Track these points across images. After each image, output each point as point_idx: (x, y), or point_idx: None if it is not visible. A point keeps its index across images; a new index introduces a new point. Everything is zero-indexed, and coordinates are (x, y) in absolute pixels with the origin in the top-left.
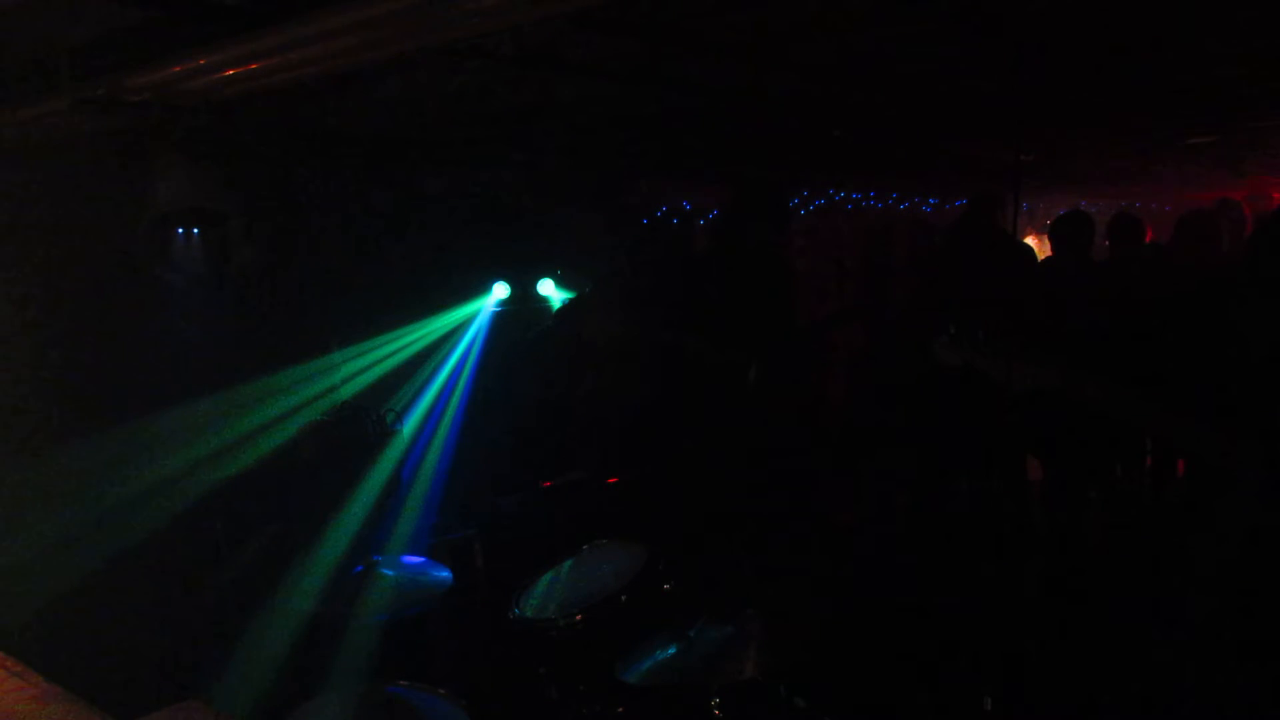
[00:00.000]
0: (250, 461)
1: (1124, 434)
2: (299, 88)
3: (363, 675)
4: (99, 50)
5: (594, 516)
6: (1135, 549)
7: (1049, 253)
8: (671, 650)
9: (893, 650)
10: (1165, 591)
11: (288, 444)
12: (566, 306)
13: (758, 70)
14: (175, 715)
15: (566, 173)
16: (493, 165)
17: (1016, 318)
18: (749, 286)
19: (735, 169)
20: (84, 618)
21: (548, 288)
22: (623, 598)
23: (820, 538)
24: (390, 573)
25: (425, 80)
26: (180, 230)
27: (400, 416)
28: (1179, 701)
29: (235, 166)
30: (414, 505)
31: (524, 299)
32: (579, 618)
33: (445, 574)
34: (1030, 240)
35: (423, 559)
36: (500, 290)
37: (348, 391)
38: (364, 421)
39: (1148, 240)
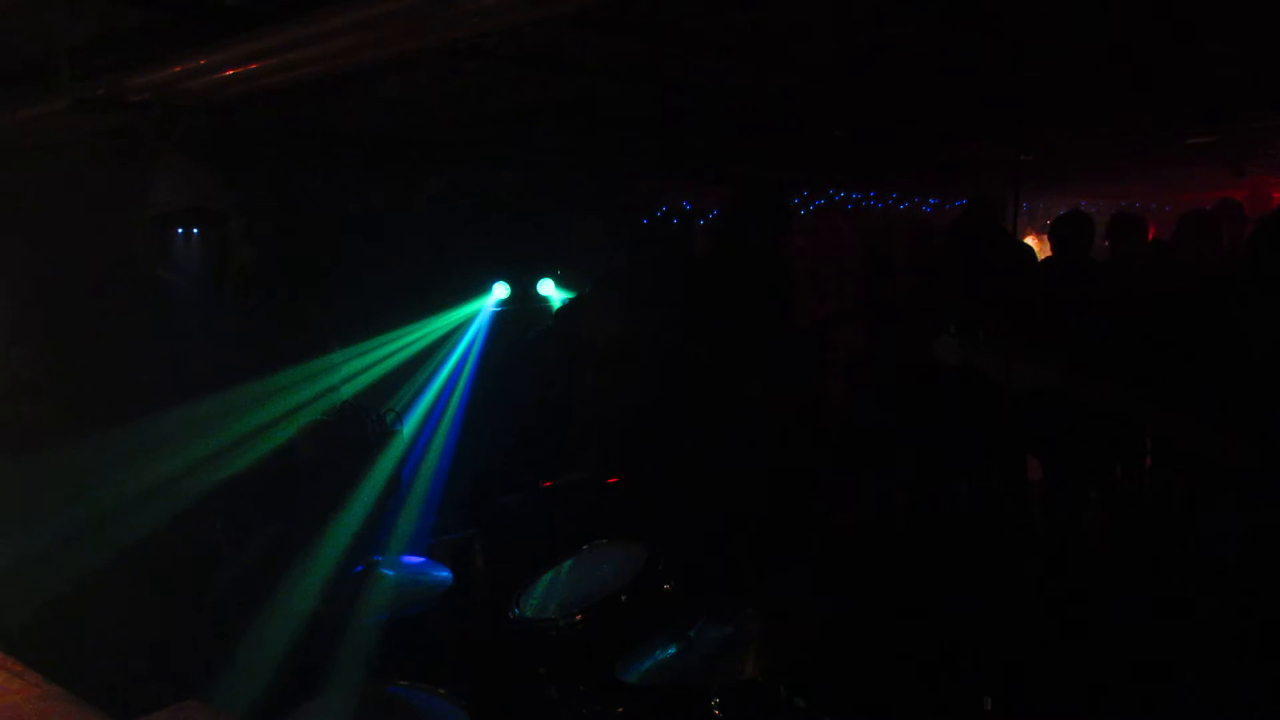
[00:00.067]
0: (250, 461)
1: (1124, 434)
2: (299, 88)
3: (363, 675)
4: (99, 50)
5: (594, 516)
6: (1135, 549)
7: (1049, 253)
8: (671, 650)
9: (893, 650)
10: (1165, 591)
11: (288, 444)
12: (566, 306)
13: (758, 70)
14: (175, 715)
15: (566, 173)
16: (493, 165)
17: (1016, 318)
18: (749, 286)
19: (735, 169)
20: (84, 618)
21: (548, 288)
22: (623, 598)
23: (820, 538)
24: (390, 573)
25: (425, 80)
26: (180, 230)
27: (400, 416)
28: (1179, 701)
29: (235, 166)
30: (414, 505)
31: (524, 299)
32: (579, 618)
33: (445, 574)
34: (1030, 240)
35: (423, 559)
36: (500, 290)
37: (348, 391)
38: (364, 421)
39: (1150, 238)
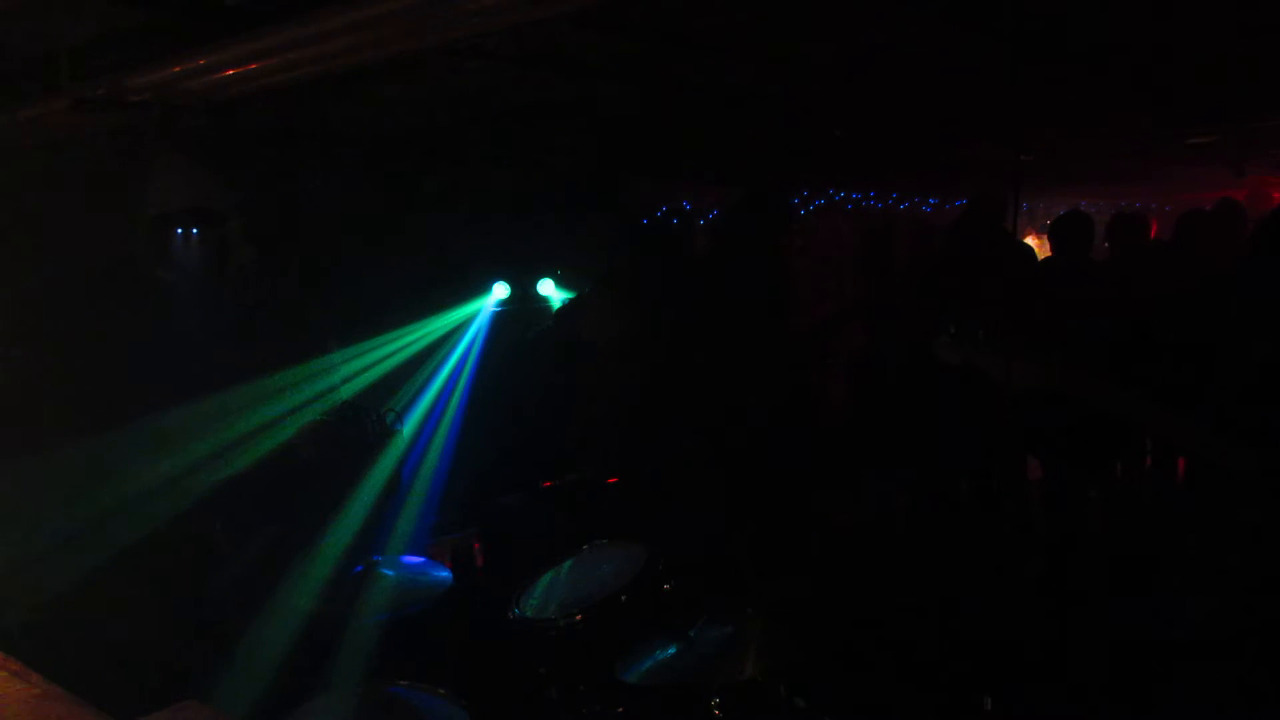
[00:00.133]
0: (250, 461)
1: (1124, 434)
2: (299, 88)
3: (363, 675)
4: (99, 50)
5: (594, 516)
6: (1135, 549)
7: (1049, 253)
8: (671, 650)
9: (893, 650)
10: (1165, 591)
11: (288, 444)
12: (566, 306)
13: (758, 70)
14: (175, 715)
15: (566, 173)
16: (493, 165)
17: (1016, 318)
18: (750, 287)
19: (735, 169)
20: (84, 618)
21: (548, 288)
22: (623, 598)
23: (820, 538)
24: (390, 573)
25: (425, 80)
26: (180, 230)
27: (400, 416)
28: (1179, 701)
29: (235, 166)
30: (414, 505)
31: (524, 299)
32: (579, 618)
33: (445, 574)
34: (1030, 240)
35: (423, 559)
36: (500, 290)
37: (348, 391)
38: (364, 421)
39: (1152, 236)
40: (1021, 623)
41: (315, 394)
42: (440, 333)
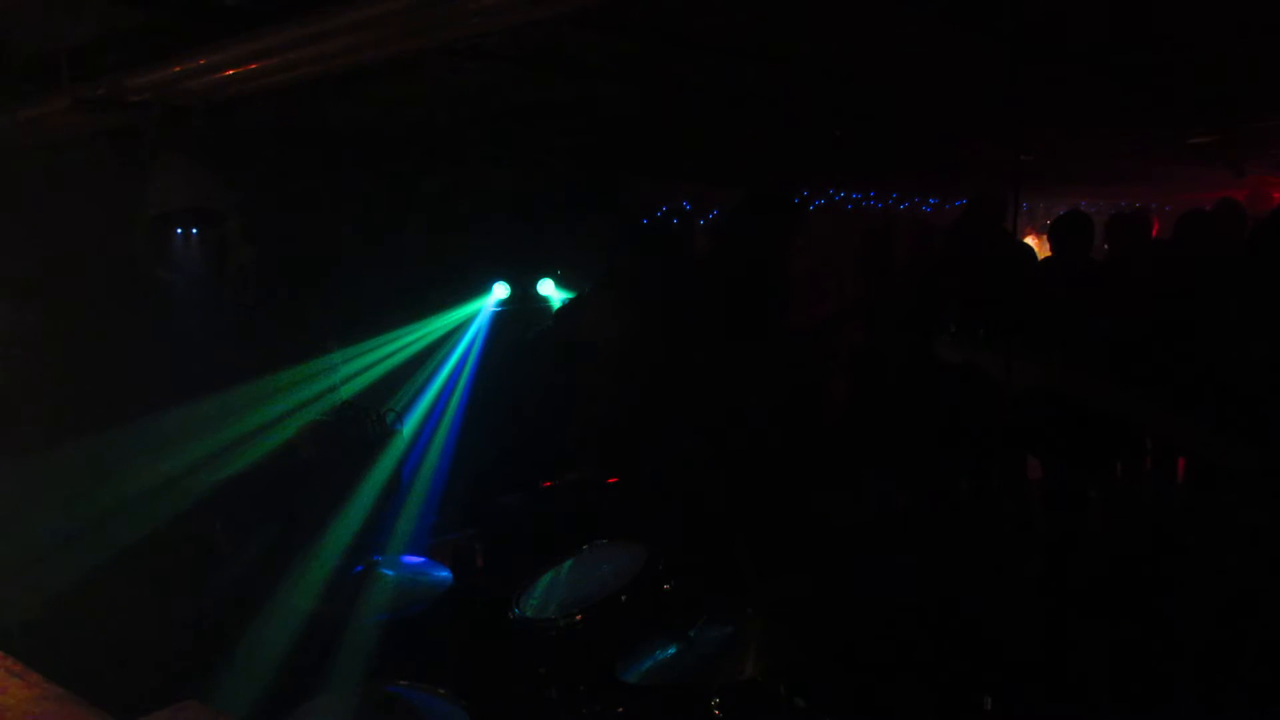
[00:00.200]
0: (250, 461)
1: (1124, 434)
2: (299, 88)
3: (363, 675)
4: (99, 50)
5: (594, 516)
6: (1135, 549)
7: (1049, 253)
8: (671, 650)
9: (893, 650)
10: (1165, 591)
11: (288, 444)
12: (566, 307)
13: (758, 70)
14: (175, 715)
15: (566, 173)
16: (493, 165)
17: (1016, 318)
18: (750, 288)
19: (735, 169)
20: (84, 618)
21: (548, 288)
22: (623, 598)
23: (820, 538)
24: (390, 573)
25: (425, 80)
26: (179, 230)
27: (400, 416)
28: (1179, 701)
29: (235, 166)
30: (414, 505)
31: (524, 299)
32: (579, 618)
33: (445, 574)
34: (1030, 240)
35: (423, 559)
36: (500, 290)
37: (348, 391)
38: (364, 421)
39: (1154, 234)
40: (1021, 623)
41: (315, 394)
42: (440, 333)
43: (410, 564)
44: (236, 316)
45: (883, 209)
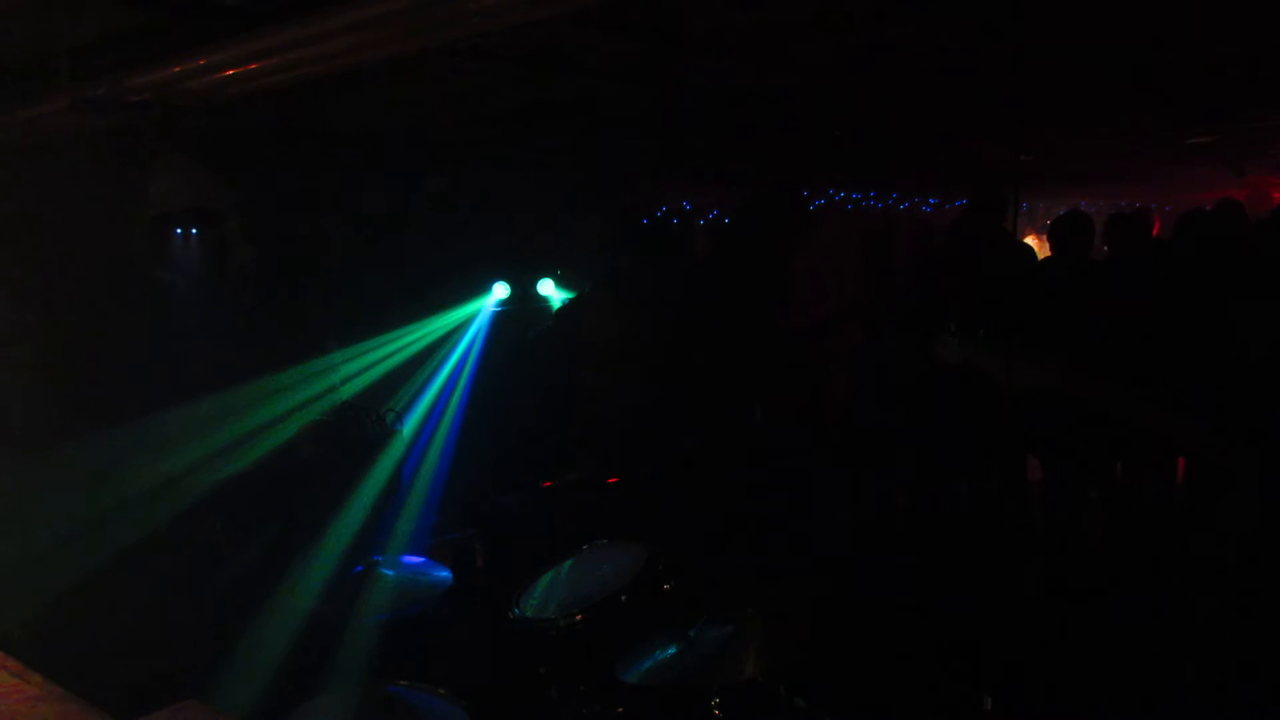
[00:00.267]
0: (250, 461)
1: (1124, 434)
2: (299, 88)
3: (363, 675)
4: (99, 50)
5: (594, 516)
6: (1135, 549)
7: (1049, 253)
8: (671, 650)
9: (893, 650)
10: (1165, 591)
11: (288, 444)
12: (566, 306)
13: (758, 70)
14: (175, 715)
15: (566, 173)
16: (493, 165)
17: (1016, 318)
18: (751, 288)
19: (735, 169)
20: (84, 618)
21: (548, 288)
22: (623, 598)
23: (820, 538)
24: (390, 573)
25: (425, 80)
26: (179, 230)
27: (400, 416)
28: (1179, 701)
29: (235, 166)
30: (414, 505)
31: (524, 299)
32: (579, 618)
33: (445, 574)
34: (1030, 240)
35: (423, 559)
36: (500, 290)
37: (348, 391)
38: (364, 421)
39: (1154, 234)
40: (1022, 623)
41: (315, 394)
42: (440, 333)
43: (410, 564)
44: (236, 316)
45: (883, 209)
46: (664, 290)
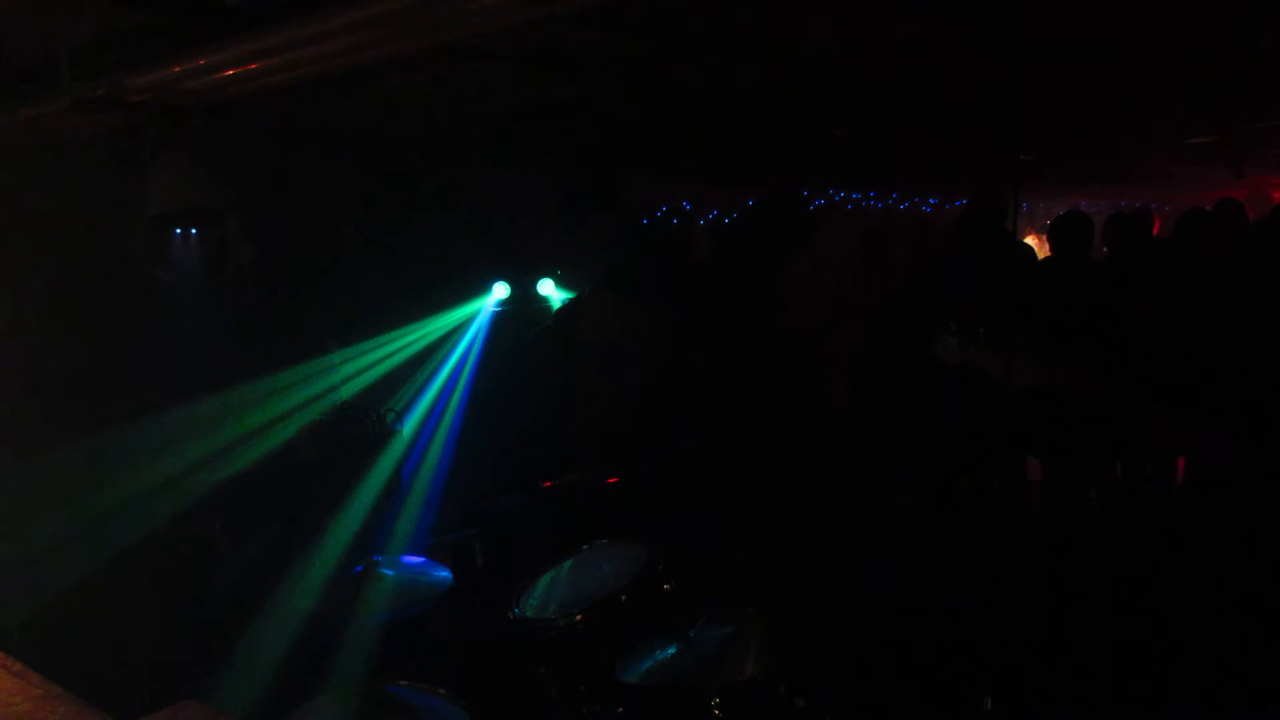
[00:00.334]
0: (250, 461)
1: (1124, 434)
2: (299, 88)
3: (363, 675)
4: (99, 50)
5: (594, 516)
6: (1135, 549)
7: (1049, 253)
8: (671, 650)
9: (893, 650)
10: (1165, 591)
11: (288, 444)
12: (566, 306)
13: (758, 70)
14: (175, 715)
15: (566, 173)
16: (493, 165)
17: (1016, 318)
18: (751, 288)
19: (735, 169)
20: (84, 618)
21: (548, 288)
22: (623, 598)
23: (820, 538)
24: (390, 573)
25: (425, 80)
26: (179, 230)
27: (400, 416)
28: (1179, 701)
29: (235, 166)
30: (414, 505)
31: (524, 299)
32: (579, 618)
33: (445, 574)
34: (1030, 240)
35: (423, 559)
36: (500, 290)
37: (348, 391)
38: (364, 421)
39: (1155, 234)
40: (1021, 623)
41: (315, 394)
42: (440, 333)
43: (410, 564)
44: (236, 316)
45: (883, 209)
46: (664, 290)
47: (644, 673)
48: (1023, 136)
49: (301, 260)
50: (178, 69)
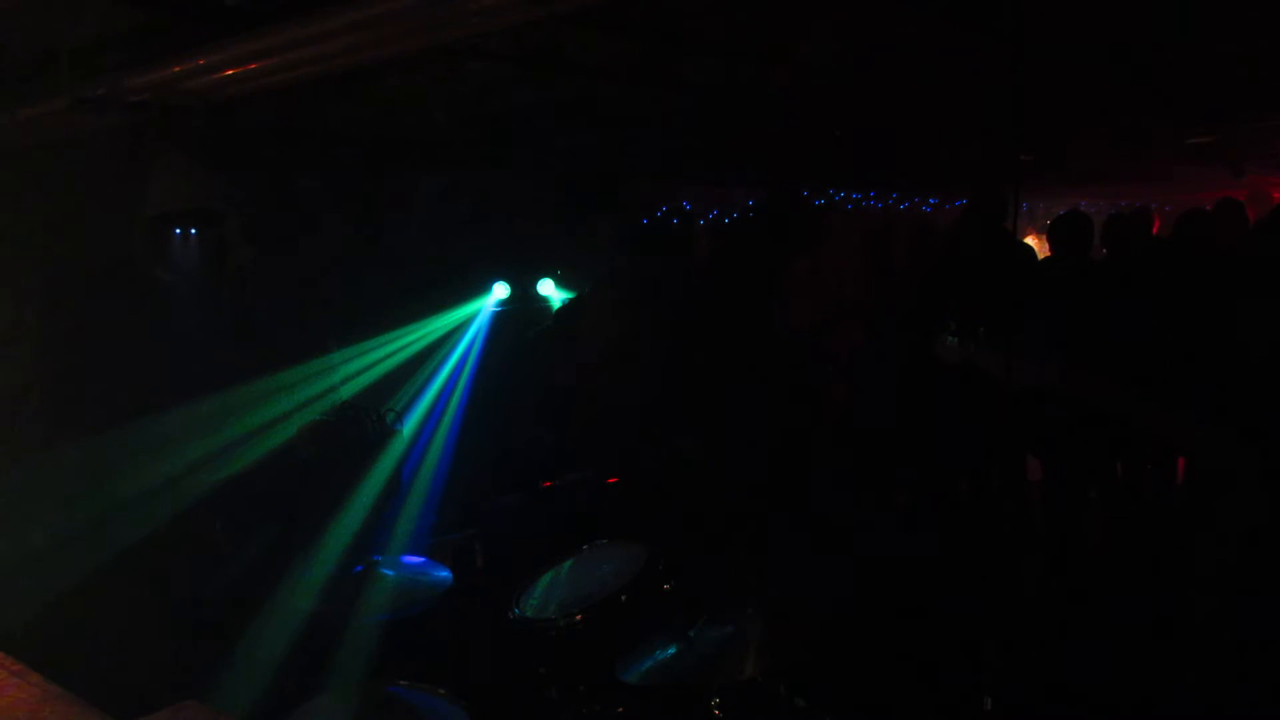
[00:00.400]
0: (250, 461)
1: (1124, 434)
2: (299, 88)
3: (363, 675)
4: (99, 50)
5: (594, 516)
6: (1135, 549)
7: (1049, 253)
8: (671, 650)
9: (893, 650)
10: (1165, 591)
11: (288, 444)
12: (566, 306)
13: (758, 70)
14: (175, 715)
15: (566, 173)
16: (493, 165)
17: (1016, 318)
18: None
19: (735, 169)
20: (84, 618)
21: (548, 288)
22: (623, 598)
23: (820, 538)
24: (390, 573)
25: (425, 80)
26: (178, 230)
27: (400, 416)
28: (1179, 701)
29: (235, 166)
30: (414, 505)
31: (524, 299)
32: (579, 618)
33: (445, 574)
34: (1030, 240)
35: (423, 559)
36: (500, 290)
37: (348, 391)
38: (364, 421)
39: (1155, 234)
40: (1021, 623)
41: (315, 394)
42: (440, 333)
43: (410, 564)
44: (236, 316)
45: (883, 209)
46: (664, 290)
47: (644, 673)
48: (1023, 136)
49: (301, 260)
50: (177, 69)
